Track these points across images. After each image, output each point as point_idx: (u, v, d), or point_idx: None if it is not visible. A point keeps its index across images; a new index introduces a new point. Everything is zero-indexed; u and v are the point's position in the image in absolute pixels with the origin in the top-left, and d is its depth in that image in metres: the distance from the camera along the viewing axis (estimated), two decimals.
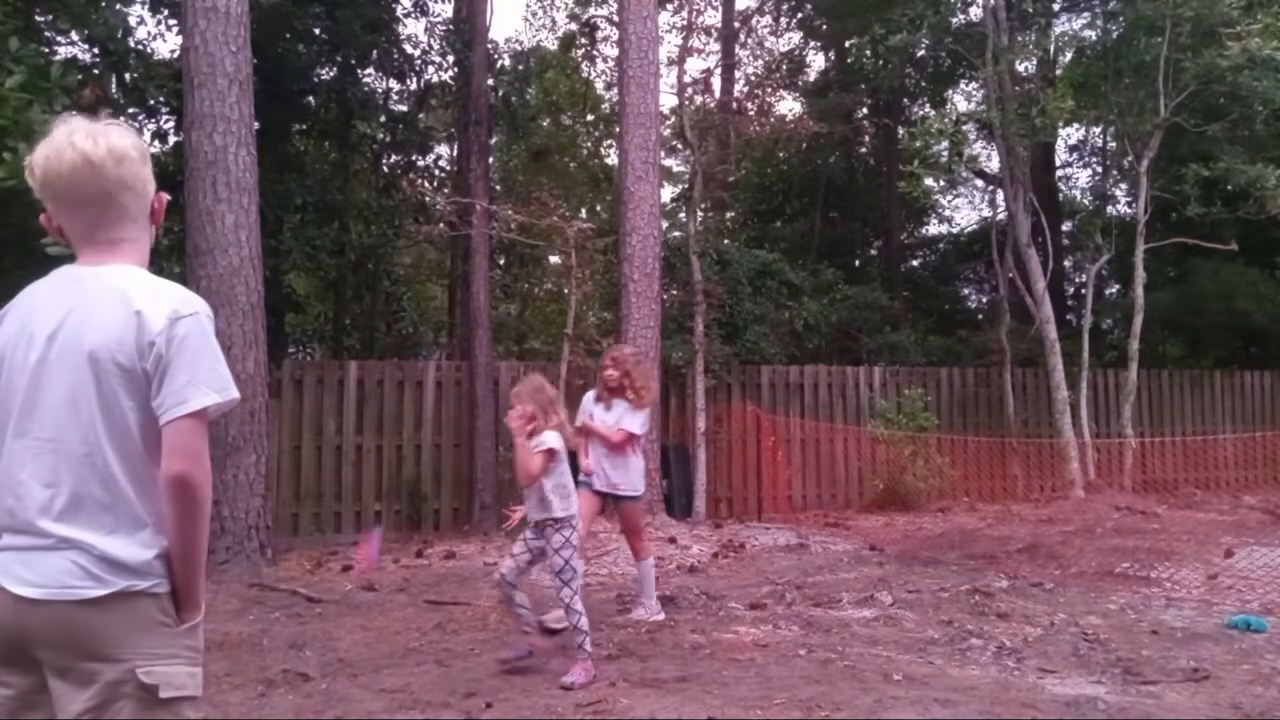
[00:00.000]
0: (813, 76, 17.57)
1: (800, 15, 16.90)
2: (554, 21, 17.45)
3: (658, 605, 5.68)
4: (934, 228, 20.72)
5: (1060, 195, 17.33)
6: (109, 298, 1.74)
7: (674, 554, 7.91)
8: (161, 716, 1.68)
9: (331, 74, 11.29)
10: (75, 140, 1.72)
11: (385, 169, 12.79)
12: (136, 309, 1.72)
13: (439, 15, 12.56)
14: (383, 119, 12.56)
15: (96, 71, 8.09)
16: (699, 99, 13.45)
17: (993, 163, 14.17)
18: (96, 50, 8.25)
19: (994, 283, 14.86)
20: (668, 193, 16.32)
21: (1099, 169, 18.55)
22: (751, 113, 13.92)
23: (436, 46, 12.35)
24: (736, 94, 14.66)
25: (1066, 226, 17.13)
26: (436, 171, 13.99)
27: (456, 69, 12.21)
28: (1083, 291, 13.73)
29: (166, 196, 1.89)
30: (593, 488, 5.54)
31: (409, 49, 12.10)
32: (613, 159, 16.84)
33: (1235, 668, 4.53)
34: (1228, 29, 10.43)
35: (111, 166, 1.74)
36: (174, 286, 1.80)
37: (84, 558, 1.66)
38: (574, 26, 16.03)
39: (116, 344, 1.70)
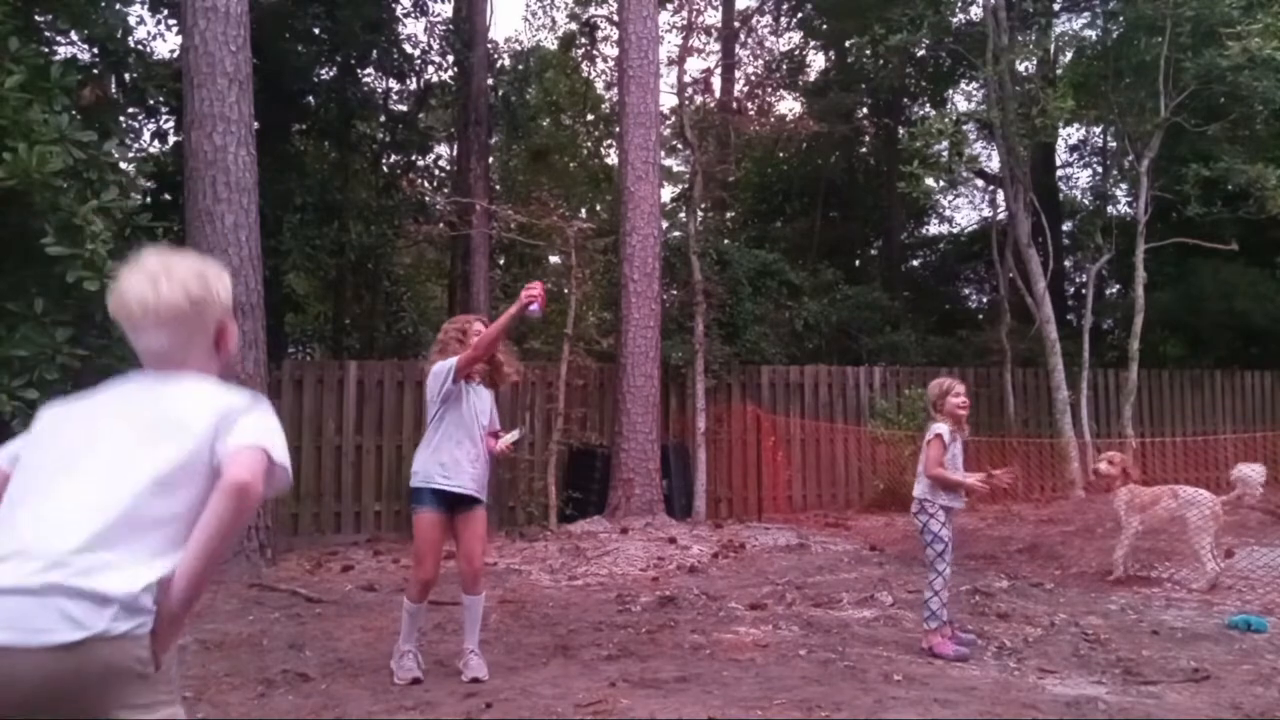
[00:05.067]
0: (813, 76, 17.56)
1: (800, 15, 16.89)
2: (554, 21, 17.46)
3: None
4: (934, 228, 20.73)
5: (1060, 195, 17.32)
6: (180, 387, 1.83)
7: (674, 554, 7.91)
8: None
9: (331, 74, 11.29)
10: (131, 292, 1.82)
11: (385, 169, 12.79)
12: (212, 395, 1.81)
13: (439, 15, 12.57)
14: (382, 119, 12.56)
15: (96, 71, 8.08)
16: (699, 99, 13.45)
17: (993, 163, 14.17)
18: (96, 50, 8.24)
19: (994, 283, 14.86)
20: (668, 193, 16.31)
21: (1099, 169, 18.55)
22: (751, 113, 13.93)
23: (436, 46, 12.35)
24: (736, 94, 14.66)
25: (1067, 226, 17.12)
26: (436, 171, 14.00)
27: (456, 69, 12.22)
28: (1083, 291, 13.72)
29: (232, 326, 1.96)
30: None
31: (409, 49, 12.10)
32: (613, 159, 16.83)
33: (1236, 668, 4.53)
34: (1228, 29, 10.42)
35: (163, 324, 1.83)
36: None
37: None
38: (574, 26, 16.02)
39: (191, 415, 1.76)
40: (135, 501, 1.67)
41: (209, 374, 1.90)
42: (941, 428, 4.81)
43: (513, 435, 4.70)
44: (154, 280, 1.81)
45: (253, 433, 1.75)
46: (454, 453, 4.39)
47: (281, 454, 1.77)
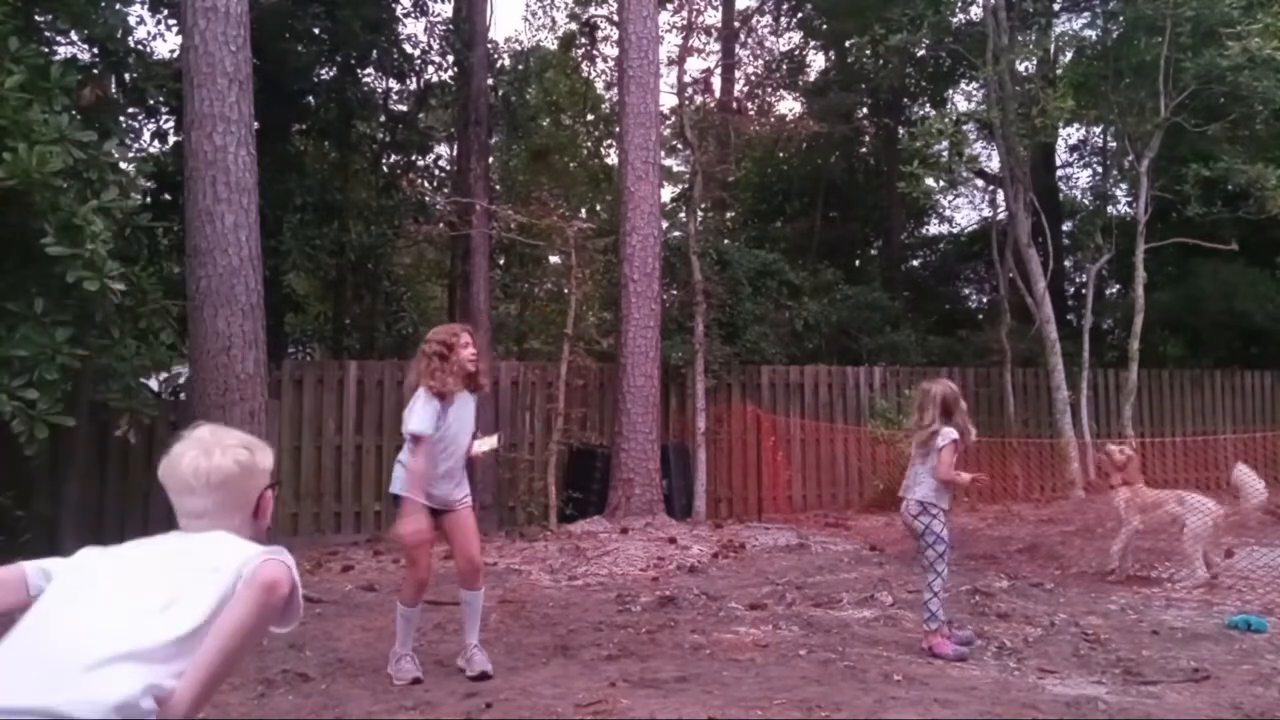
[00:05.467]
0: (813, 76, 17.56)
1: (800, 15, 16.89)
2: (554, 21, 17.45)
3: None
4: (934, 228, 20.73)
5: (1060, 195, 17.32)
6: (212, 536, 1.93)
7: (674, 554, 7.91)
8: None
9: (331, 74, 11.29)
10: (184, 459, 1.94)
11: (385, 169, 12.79)
12: (240, 542, 1.92)
13: (439, 15, 12.57)
14: (382, 119, 12.56)
15: (96, 71, 8.08)
16: (699, 99, 13.44)
17: (993, 163, 14.17)
18: (96, 50, 8.25)
19: (994, 283, 14.86)
20: (668, 193, 16.31)
21: (1099, 169, 18.54)
22: (751, 112, 13.94)
23: (436, 46, 12.35)
24: (736, 94, 14.66)
25: (1067, 226, 17.12)
26: (436, 171, 13.99)
27: (456, 69, 12.21)
28: (1083, 291, 13.73)
29: (270, 496, 2.11)
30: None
31: (409, 49, 12.10)
32: (613, 159, 16.82)
33: (1236, 668, 4.53)
34: (1228, 29, 10.42)
35: (213, 490, 1.95)
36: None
37: None
38: (574, 26, 16.01)
39: (223, 558, 1.85)
40: (163, 633, 1.71)
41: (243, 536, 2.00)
42: (954, 433, 4.82)
43: (489, 443, 4.58)
44: (207, 449, 1.95)
45: (277, 553, 1.84)
46: (448, 469, 4.46)
47: (298, 582, 1.86)
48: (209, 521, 1.95)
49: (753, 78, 15.81)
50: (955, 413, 4.88)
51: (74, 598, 1.78)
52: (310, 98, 11.06)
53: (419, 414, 4.33)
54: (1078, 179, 19.25)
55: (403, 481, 4.42)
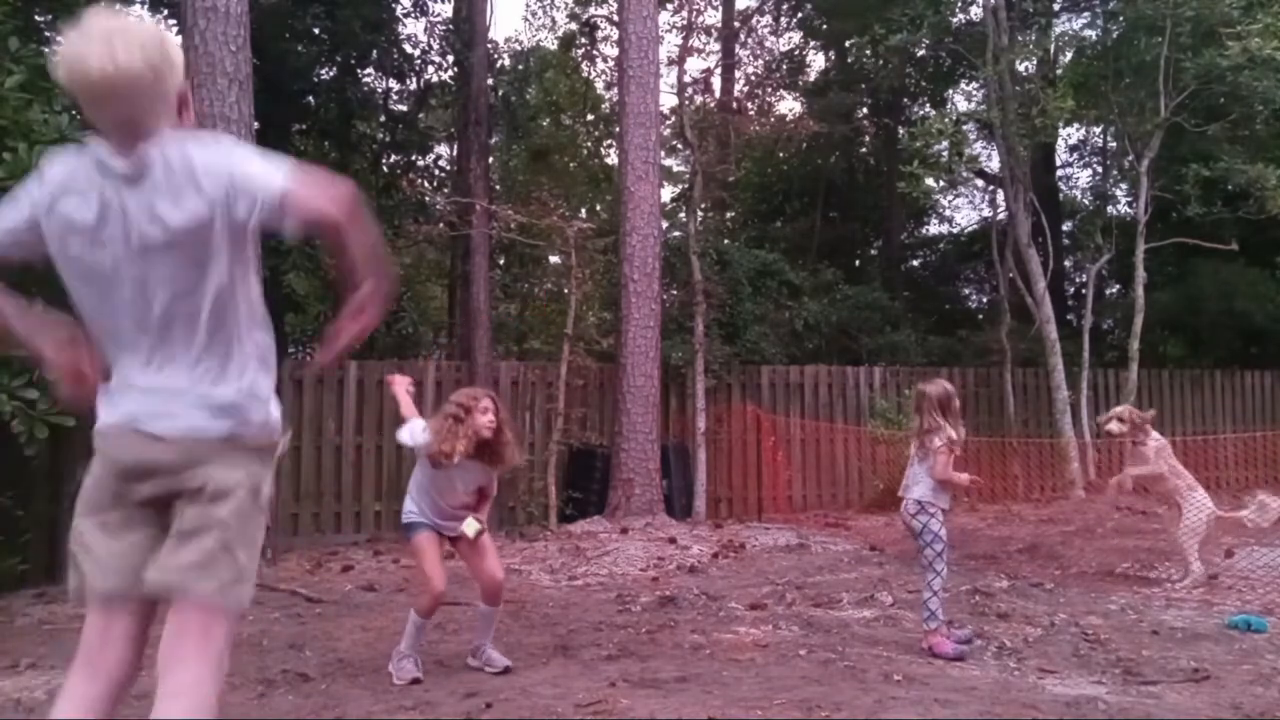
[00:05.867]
0: (813, 76, 17.57)
1: (800, 15, 16.89)
2: (554, 21, 17.45)
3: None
4: (934, 228, 20.73)
5: (1060, 195, 17.31)
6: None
7: (674, 554, 7.91)
8: None
9: (331, 74, 11.29)
10: (89, 60, 1.72)
11: (385, 169, 12.78)
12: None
13: (439, 15, 12.57)
14: (383, 119, 12.55)
15: None
16: (699, 99, 13.45)
17: (993, 163, 14.17)
18: None
19: (994, 283, 14.86)
20: (668, 193, 16.30)
21: (1099, 169, 18.54)
22: (751, 113, 13.93)
23: (436, 46, 12.35)
24: (736, 94, 14.66)
25: (1067, 226, 17.11)
26: (436, 171, 13.98)
27: (456, 69, 12.22)
28: (1083, 291, 13.73)
29: (190, 95, 1.95)
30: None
31: (409, 49, 12.10)
32: (613, 159, 16.82)
33: (1236, 668, 4.52)
34: (1228, 29, 10.43)
35: (123, 93, 1.76)
36: None
37: None
38: (574, 26, 16.01)
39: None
40: None
41: None
42: (952, 433, 4.82)
43: (472, 526, 4.44)
44: (110, 45, 1.70)
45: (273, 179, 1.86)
46: (442, 510, 4.46)
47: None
48: (126, 126, 1.80)
49: (753, 78, 15.81)
50: (948, 413, 4.89)
51: None
52: (310, 98, 11.06)
53: (410, 429, 4.41)
54: (1078, 179, 19.26)
55: (410, 504, 4.52)
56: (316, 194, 1.82)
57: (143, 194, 1.82)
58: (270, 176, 1.84)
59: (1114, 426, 6.64)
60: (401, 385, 4.65)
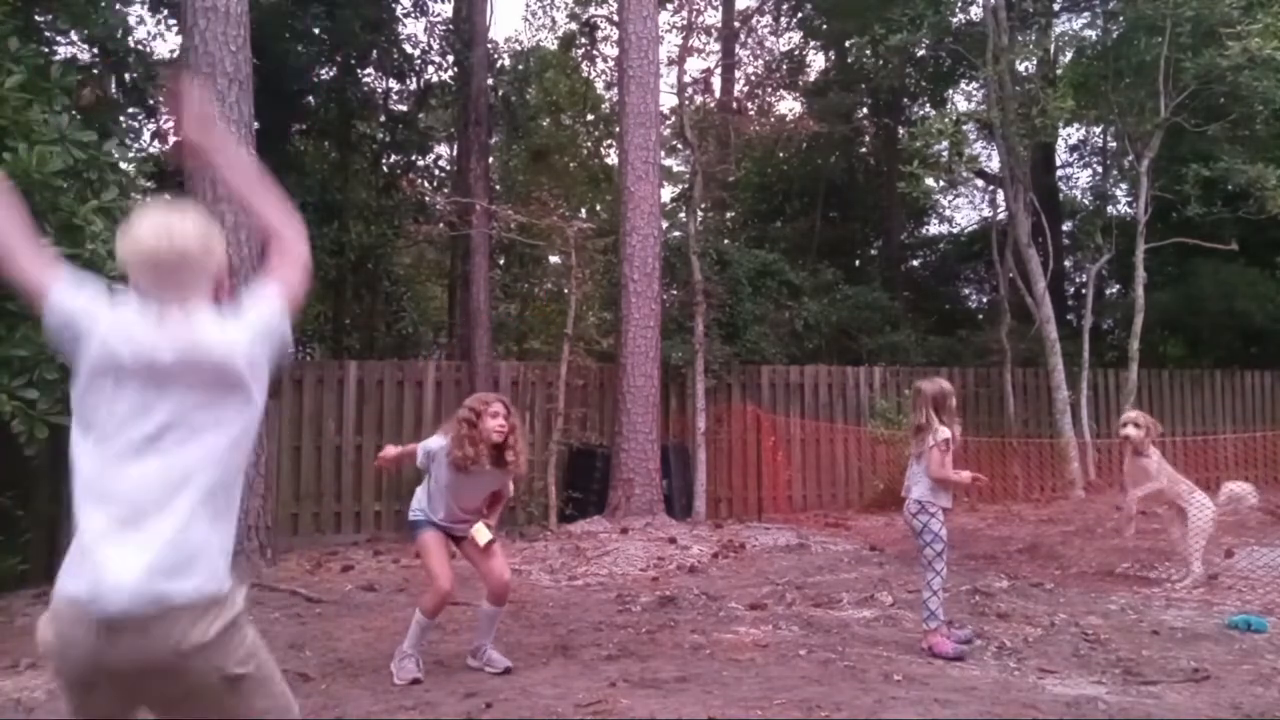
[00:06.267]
0: (813, 76, 17.55)
1: (800, 15, 16.88)
2: (554, 21, 17.43)
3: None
4: (934, 228, 20.72)
5: (1060, 195, 17.31)
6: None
7: (674, 554, 7.91)
8: None
9: (331, 74, 11.30)
10: (146, 236, 1.99)
11: (385, 169, 12.79)
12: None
13: (439, 15, 12.58)
14: (382, 119, 12.56)
15: (96, 71, 8.08)
16: (699, 99, 13.44)
17: (993, 163, 14.17)
18: (96, 50, 8.25)
19: (994, 283, 14.85)
20: (668, 193, 16.31)
21: (1099, 169, 18.54)
22: (751, 113, 13.92)
23: (436, 46, 12.36)
24: (736, 94, 14.66)
25: (1067, 226, 17.11)
26: (436, 171, 13.99)
27: (456, 69, 12.22)
28: (1083, 291, 13.72)
29: (228, 287, 2.14)
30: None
31: (409, 49, 12.11)
32: (613, 159, 16.82)
33: (1236, 668, 4.53)
34: (1228, 29, 10.42)
35: (174, 266, 1.99)
36: None
37: None
38: (574, 26, 16.01)
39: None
40: None
41: None
42: (948, 432, 4.83)
43: (483, 534, 4.47)
44: (168, 225, 1.99)
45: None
46: (455, 514, 4.50)
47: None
48: (170, 294, 1.98)
49: (753, 78, 15.81)
50: (944, 411, 4.90)
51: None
52: (310, 98, 11.06)
53: (424, 446, 4.50)
54: (1078, 179, 19.26)
55: (419, 506, 4.58)
56: (292, 290, 2.08)
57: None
58: (273, 321, 2.07)
59: (1132, 431, 6.60)
60: (388, 454, 4.68)
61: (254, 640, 1.94)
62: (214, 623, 1.82)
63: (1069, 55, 14.19)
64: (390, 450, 4.70)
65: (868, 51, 15.26)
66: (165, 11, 9.99)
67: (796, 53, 17.37)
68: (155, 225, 2.00)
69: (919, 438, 4.91)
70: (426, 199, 12.33)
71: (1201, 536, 6.38)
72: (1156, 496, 6.62)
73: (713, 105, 13.69)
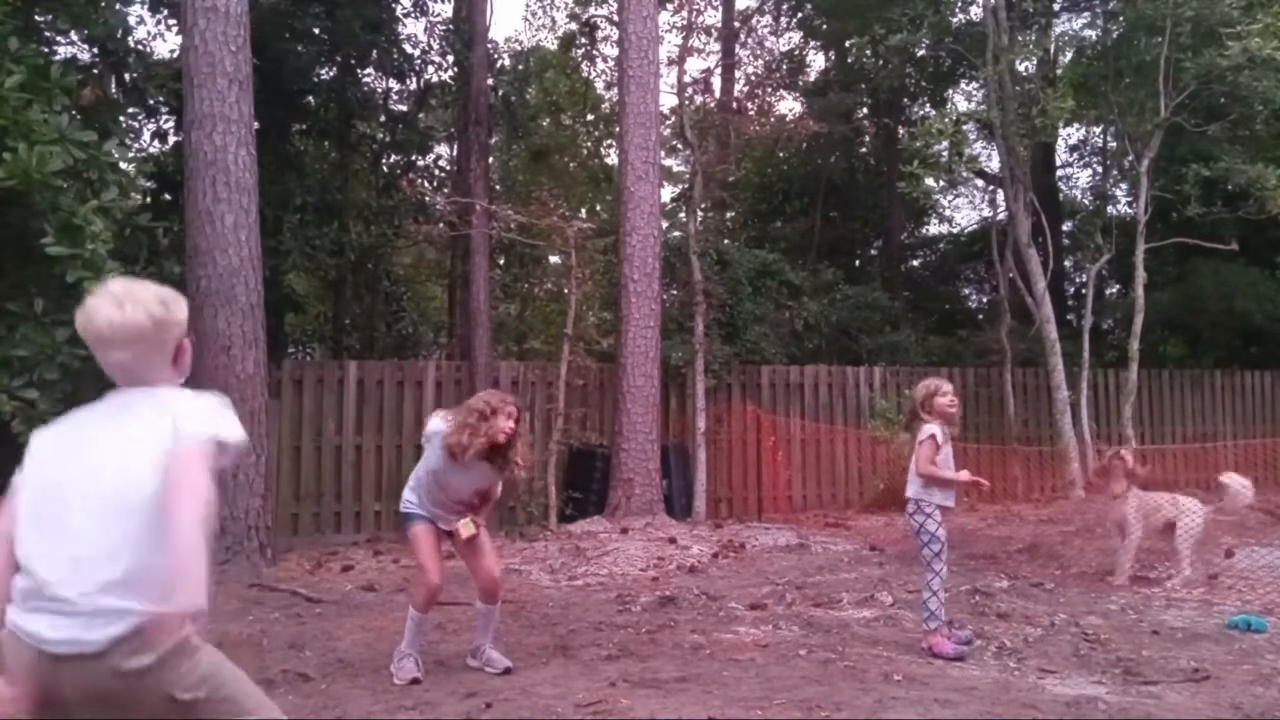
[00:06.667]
0: (813, 76, 17.56)
1: (800, 15, 16.88)
2: (554, 21, 17.45)
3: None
4: (934, 228, 20.73)
5: (1060, 195, 17.32)
6: (143, 404, 2.05)
7: (674, 554, 7.91)
8: None
9: (331, 74, 11.28)
10: (99, 314, 2.02)
11: (385, 169, 12.78)
12: (164, 404, 2.03)
13: (439, 15, 12.56)
14: (382, 119, 12.55)
15: (96, 71, 8.07)
16: (699, 99, 13.44)
17: (993, 163, 14.17)
18: (96, 50, 8.24)
19: (994, 283, 14.86)
20: (668, 193, 16.30)
21: (1099, 169, 18.55)
22: (751, 113, 13.91)
23: (436, 46, 12.35)
24: (736, 94, 14.65)
25: (1067, 226, 17.12)
26: (436, 171, 13.98)
27: (456, 69, 12.22)
28: (1083, 291, 13.73)
29: (187, 344, 2.17)
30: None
31: (409, 49, 12.10)
32: (613, 159, 16.83)
33: (1236, 668, 4.53)
34: (1228, 29, 10.42)
35: (127, 342, 2.03)
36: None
37: None
38: (574, 26, 16.01)
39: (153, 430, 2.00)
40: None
41: (171, 385, 2.12)
42: (933, 428, 4.83)
43: (468, 527, 4.44)
44: (120, 303, 2.02)
45: (191, 428, 1.96)
46: (441, 501, 4.48)
47: (226, 430, 2.02)
48: (134, 375, 2.05)
49: (753, 78, 15.80)
50: (932, 410, 4.89)
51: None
52: (310, 98, 11.05)
53: (433, 420, 4.52)
54: (1078, 179, 19.28)
55: (409, 494, 4.58)
56: (185, 491, 1.91)
57: None
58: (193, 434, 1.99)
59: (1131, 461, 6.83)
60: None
61: (209, 666, 1.97)
62: (156, 648, 1.87)
63: (1069, 55, 14.20)
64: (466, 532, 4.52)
65: (868, 51, 15.27)
66: (165, 11, 9.98)
67: (796, 53, 17.38)
68: (108, 300, 2.02)
69: (912, 437, 4.94)
70: (426, 199, 12.32)
71: (1191, 539, 6.46)
72: (1152, 512, 6.70)
73: (713, 105, 13.69)
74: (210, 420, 2.01)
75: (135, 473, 1.92)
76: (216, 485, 1.97)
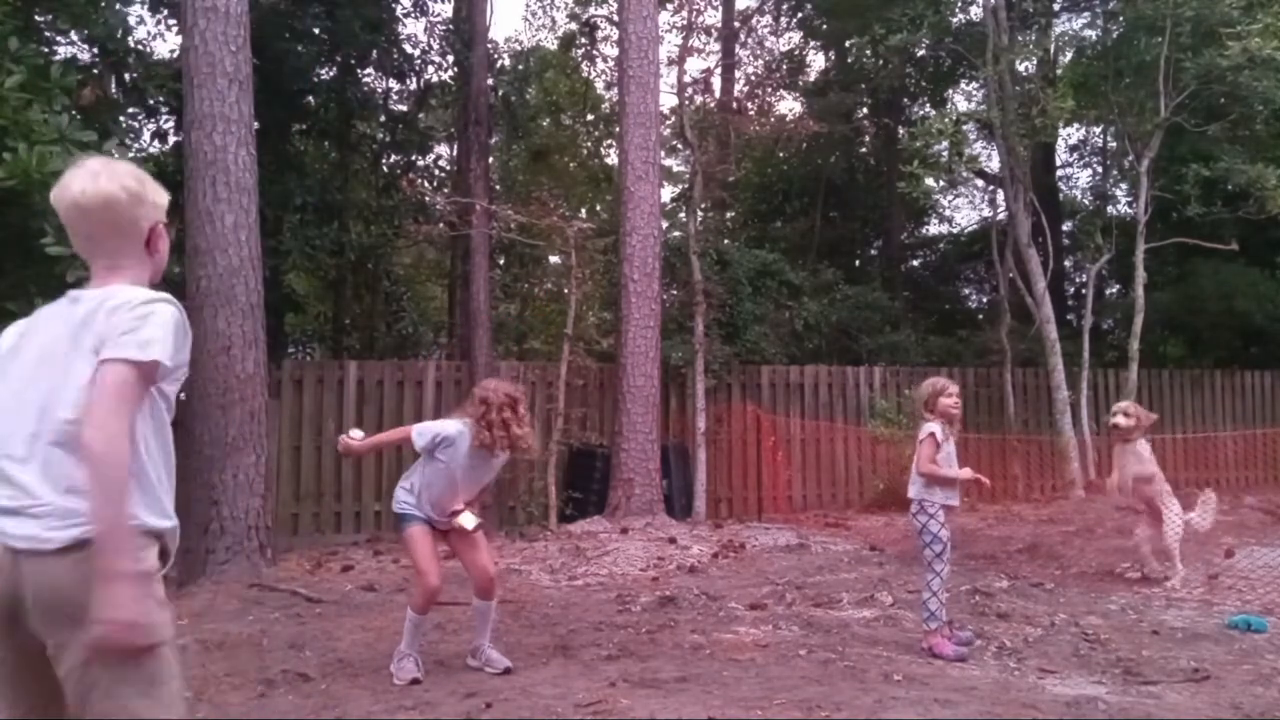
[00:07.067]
0: (813, 76, 17.56)
1: (800, 15, 16.89)
2: (554, 21, 17.46)
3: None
4: (934, 228, 20.75)
5: (1060, 195, 17.32)
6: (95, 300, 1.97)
7: (674, 554, 7.91)
8: None
9: (331, 74, 11.28)
10: (74, 183, 1.99)
11: (385, 169, 12.78)
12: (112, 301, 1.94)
13: (439, 15, 12.57)
14: (382, 119, 12.55)
15: (96, 71, 8.07)
16: (699, 99, 13.44)
17: (993, 163, 14.17)
18: (96, 50, 8.24)
19: (994, 283, 14.86)
20: (668, 193, 16.30)
21: (1099, 169, 18.56)
22: (751, 112, 13.91)
23: (436, 46, 12.35)
24: (736, 94, 14.65)
25: (1067, 226, 17.12)
26: (436, 171, 13.98)
27: (456, 69, 12.22)
28: (1083, 291, 13.73)
29: (164, 230, 2.10)
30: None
31: (409, 49, 12.10)
32: (613, 159, 16.83)
33: (1236, 668, 4.53)
34: (1228, 29, 10.42)
35: (98, 211, 1.99)
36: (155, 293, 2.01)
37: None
38: (574, 26, 16.01)
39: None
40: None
41: (140, 276, 2.05)
42: (934, 427, 4.84)
43: (469, 520, 4.45)
44: (95, 174, 1.99)
45: (110, 350, 1.86)
46: (446, 501, 4.47)
47: (141, 351, 1.87)
48: (103, 253, 2.00)
49: (753, 78, 15.79)
50: (934, 409, 4.90)
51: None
52: (310, 98, 11.05)
53: (432, 426, 4.52)
54: (1078, 179, 19.28)
55: (406, 495, 4.53)
56: (102, 415, 1.83)
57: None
58: (120, 347, 1.89)
59: (1122, 420, 6.67)
60: (353, 444, 4.58)
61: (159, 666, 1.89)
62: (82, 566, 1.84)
63: (1069, 55, 14.20)
64: (354, 440, 4.52)
65: (868, 51, 15.27)
66: (165, 11, 9.98)
67: (796, 53, 17.39)
68: (83, 172, 1.99)
69: (916, 437, 4.95)
70: (426, 199, 12.32)
71: (1177, 539, 6.48)
72: (1149, 482, 6.64)
73: (713, 105, 13.69)
74: (130, 341, 1.88)
75: (64, 397, 1.89)
76: (160, 404, 1.95)
